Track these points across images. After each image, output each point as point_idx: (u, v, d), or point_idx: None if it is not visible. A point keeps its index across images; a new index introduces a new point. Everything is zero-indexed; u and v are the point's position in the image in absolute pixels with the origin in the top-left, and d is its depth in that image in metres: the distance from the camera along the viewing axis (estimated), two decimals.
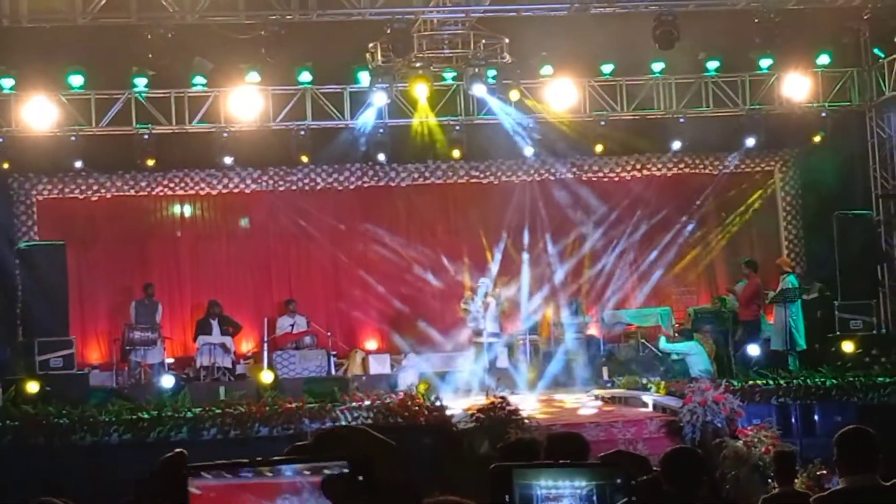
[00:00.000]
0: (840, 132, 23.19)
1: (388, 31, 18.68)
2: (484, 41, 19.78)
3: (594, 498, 3.34)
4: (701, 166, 24.91)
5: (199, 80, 21.14)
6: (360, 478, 2.95)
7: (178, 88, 21.54)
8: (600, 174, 24.68)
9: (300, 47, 19.75)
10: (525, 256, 24.31)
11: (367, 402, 16.84)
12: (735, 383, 17.79)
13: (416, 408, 16.56)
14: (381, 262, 24.33)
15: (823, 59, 22.16)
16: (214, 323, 22.46)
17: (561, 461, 3.75)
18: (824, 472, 13.08)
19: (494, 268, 23.94)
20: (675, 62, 21.73)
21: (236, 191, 24.02)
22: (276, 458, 3.00)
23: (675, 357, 21.30)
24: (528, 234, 24.40)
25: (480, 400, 17.85)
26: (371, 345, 24.12)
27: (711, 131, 22.97)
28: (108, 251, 23.93)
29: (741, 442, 15.51)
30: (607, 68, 21.97)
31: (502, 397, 16.50)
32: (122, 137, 21.79)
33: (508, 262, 24.30)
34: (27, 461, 16.05)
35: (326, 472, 2.93)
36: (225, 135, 21.92)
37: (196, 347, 22.16)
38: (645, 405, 18.08)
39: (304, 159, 22.84)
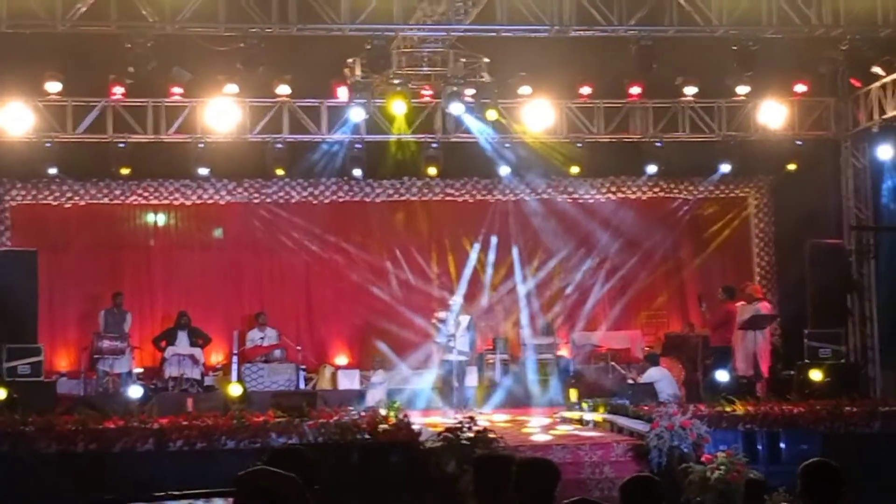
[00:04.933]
0: (815, 161, 23.30)
1: (368, 47, 18.65)
2: (463, 60, 19.82)
3: None
4: (676, 191, 25.02)
5: (176, 90, 21.10)
6: None
7: (156, 98, 21.51)
8: (575, 195, 24.73)
9: (279, 60, 19.70)
10: (496, 275, 24.34)
11: (335, 418, 16.76)
12: (702, 409, 17.78)
13: (384, 425, 16.49)
14: (354, 277, 24.30)
15: (800, 88, 22.23)
16: (183, 334, 22.40)
17: None
18: None
19: (466, 286, 23.95)
20: (652, 86, 21.76)
21: (210, 202, 23.99)
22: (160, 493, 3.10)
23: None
24: (501, 254, 24.44)
25: (448, 418, 17.83)
26: (341, 360, 24.11)
27: (687, 156, 23.09)
28: (79, 259, 23.87)
29: (707, 468, 15.50)
30: (585, 90, 21.99)
31: (470, 416, 16.45)
32: (98, 145, 21.75)
33: (481, 281, 24.32)
34: None
35: None
36: (201, 145, 21.89)
37: (164, 357, 22.09)
38: (612, 428, 18.05)
39: (280, 172, 22.82)
